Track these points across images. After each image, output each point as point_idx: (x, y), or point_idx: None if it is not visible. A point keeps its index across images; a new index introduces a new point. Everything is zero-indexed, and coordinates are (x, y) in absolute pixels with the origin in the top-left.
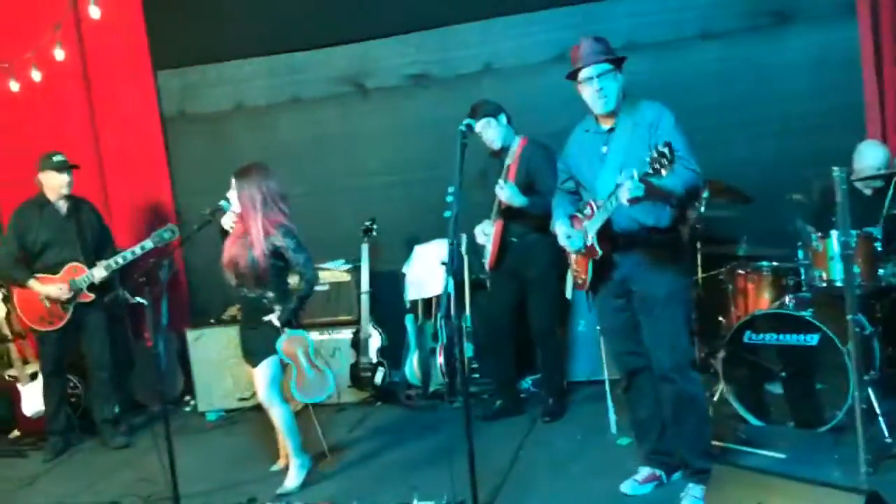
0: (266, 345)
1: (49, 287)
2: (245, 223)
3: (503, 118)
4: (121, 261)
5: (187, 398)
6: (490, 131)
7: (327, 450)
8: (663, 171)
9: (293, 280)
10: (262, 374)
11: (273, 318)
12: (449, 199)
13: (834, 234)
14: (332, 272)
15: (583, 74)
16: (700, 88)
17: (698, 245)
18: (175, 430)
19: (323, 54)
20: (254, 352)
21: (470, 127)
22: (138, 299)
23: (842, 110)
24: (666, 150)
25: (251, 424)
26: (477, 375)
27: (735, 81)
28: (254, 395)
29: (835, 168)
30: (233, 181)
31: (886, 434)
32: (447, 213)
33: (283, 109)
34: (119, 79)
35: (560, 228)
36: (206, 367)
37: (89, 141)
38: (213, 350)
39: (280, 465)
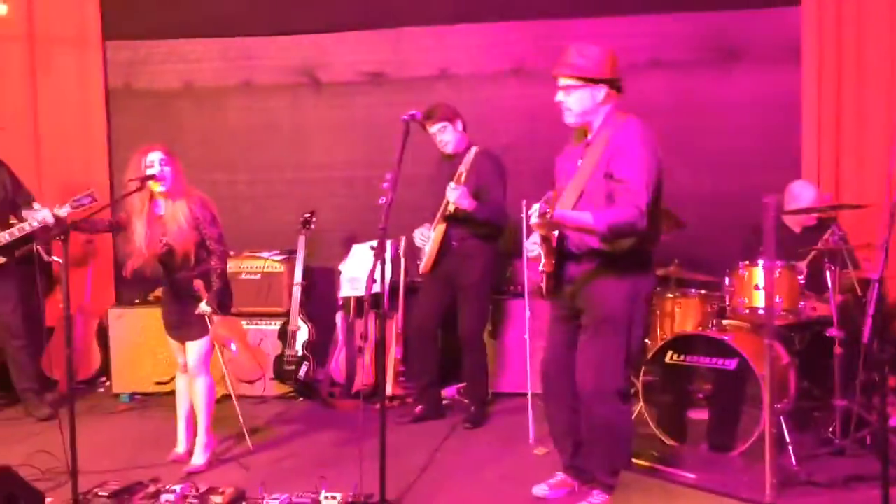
0: (201, 324)
1: None
2: (173, 197)
3: (459, 124)
4: (27, 227)
5: (102, 378)
6: (446, 135)
7: (247, 434)
8: (547, 216)
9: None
10: (197, 346)
11: (204, 309)
12: (385, 185)
13: (760, 263)
14: (266, 262)
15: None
16: (647, 115)
17: None
18: (85, 410)
19: (278, 42)
20: (184, 325)
21: (414, 117)
22: (55, 258)
23: (779, 150)
24: (546, 210)
25: (164, 410)
26: (402, 378)
27: (680, 111)
28: (171, 380)
29: (765, 196)
30: (160, 155)
31: (794, 462)
32: (382, 200)
33: (232, 93)
34: (65, 43)
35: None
36: (126, 349)
37: (26, 104)
38: (134, 331)
39: (179, 451)
